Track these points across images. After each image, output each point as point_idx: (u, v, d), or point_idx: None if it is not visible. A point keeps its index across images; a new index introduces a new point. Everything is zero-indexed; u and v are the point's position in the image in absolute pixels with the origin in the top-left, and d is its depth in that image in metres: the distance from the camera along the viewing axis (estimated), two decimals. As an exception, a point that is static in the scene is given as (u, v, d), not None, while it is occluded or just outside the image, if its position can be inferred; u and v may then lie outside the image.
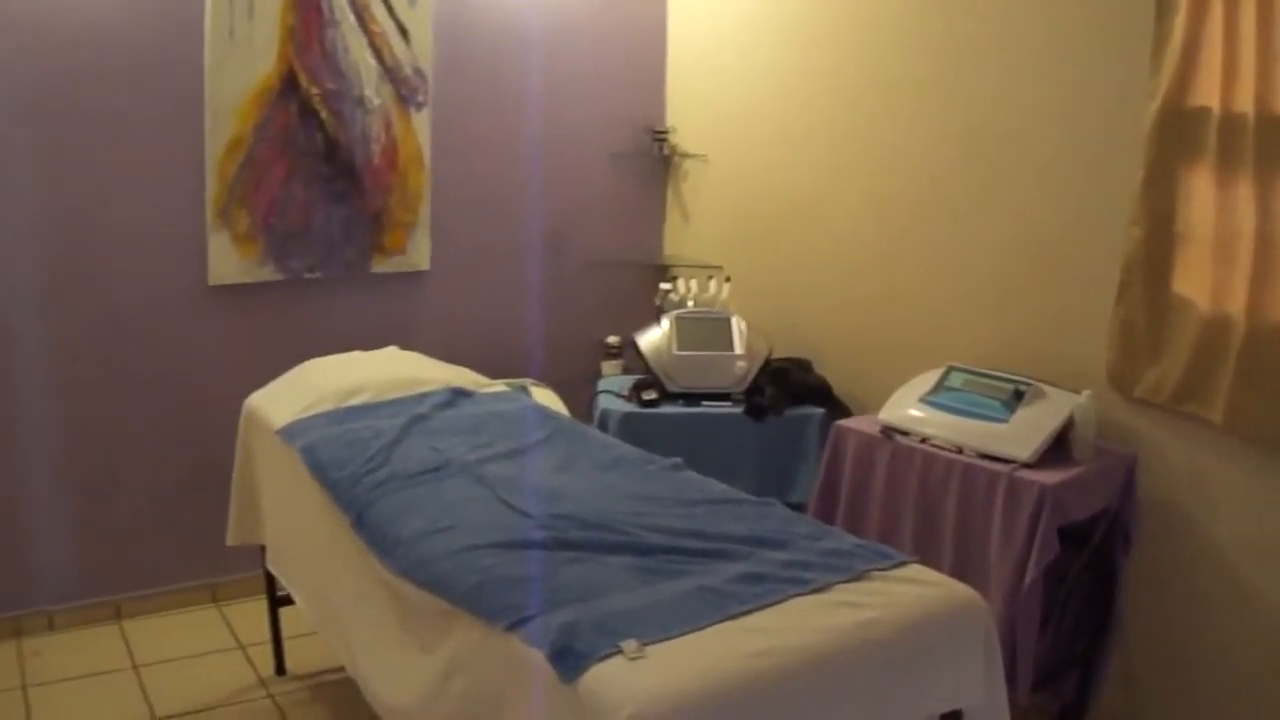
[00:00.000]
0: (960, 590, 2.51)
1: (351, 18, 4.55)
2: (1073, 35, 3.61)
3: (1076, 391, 3.50)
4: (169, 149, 4.33)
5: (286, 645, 4.09)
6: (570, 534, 2.66)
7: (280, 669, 4.09)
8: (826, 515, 3.85)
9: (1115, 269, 3.45)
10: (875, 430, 3.77)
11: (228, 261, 4.44)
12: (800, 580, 2.41)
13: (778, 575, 2.43)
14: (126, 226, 4.29)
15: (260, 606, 4.12)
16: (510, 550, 2.58)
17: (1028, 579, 3.21)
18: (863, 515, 3.79)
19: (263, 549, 3.81)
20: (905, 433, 3.69)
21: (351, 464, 3.13)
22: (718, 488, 3.06)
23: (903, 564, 2.56)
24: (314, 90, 4.50)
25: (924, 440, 3.63)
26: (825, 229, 4.64)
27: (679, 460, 3.27)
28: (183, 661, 4.18)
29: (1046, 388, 3.56)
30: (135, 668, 4.11)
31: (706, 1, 5.21)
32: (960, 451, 3.50)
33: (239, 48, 4.35)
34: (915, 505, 3.61)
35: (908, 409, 3.76)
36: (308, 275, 4.61)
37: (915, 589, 2.45)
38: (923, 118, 4.17)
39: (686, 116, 5.39)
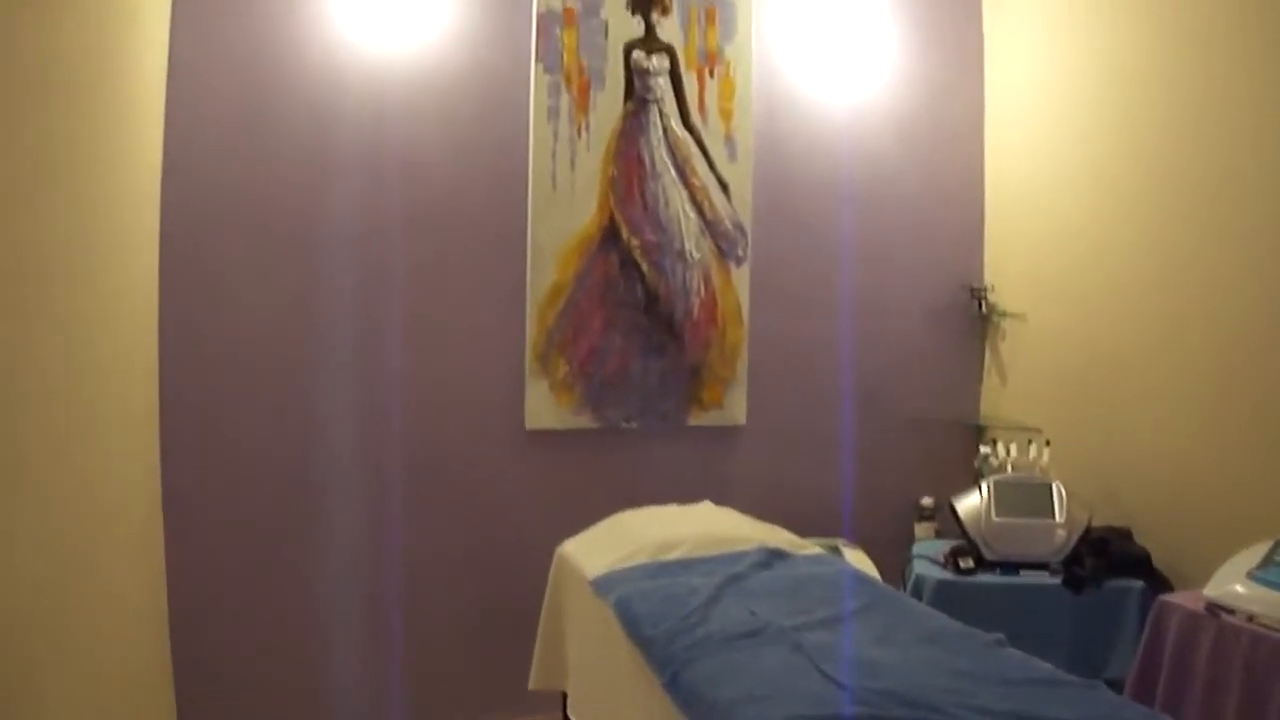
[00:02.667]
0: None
1: (672, 171, 4.65)
2: None
3: None
4: (492, 294, 4.49)
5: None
6: (890, 711, 2.53)
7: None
8: (1145, 695, 3.59)
9: None
10: (1199, 607, 3.51)
11: (545, 407, 4.53)
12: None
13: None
14: (449, 368, 4.44)
15: (558, 753, 4.10)
16: (829, 725, 2.48)
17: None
18: (1183, 697, 3.50)
19: (564, 695, 3.79)
20: (1231, 610, 3.43)
21: (666, 621, 3.08)
22: (1042, 667, 2.89)
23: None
24: (634, 242, 4.59)
25: (1250, 618, 3.36)
26: (1148, 390, 4.43)
27: (1000, 636, 3.10)
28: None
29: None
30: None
31: (1024, 158, 5.11)
32: (1290, 632, 3.23)
33: (561, 197, 4.50)
34: (1240, 687, 3.31)
35: (1233, 584, 3.47)
36: (624, 425, 4.65)
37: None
38: (1253, 274, 3.94)
39: (1005, 273, 5.27)
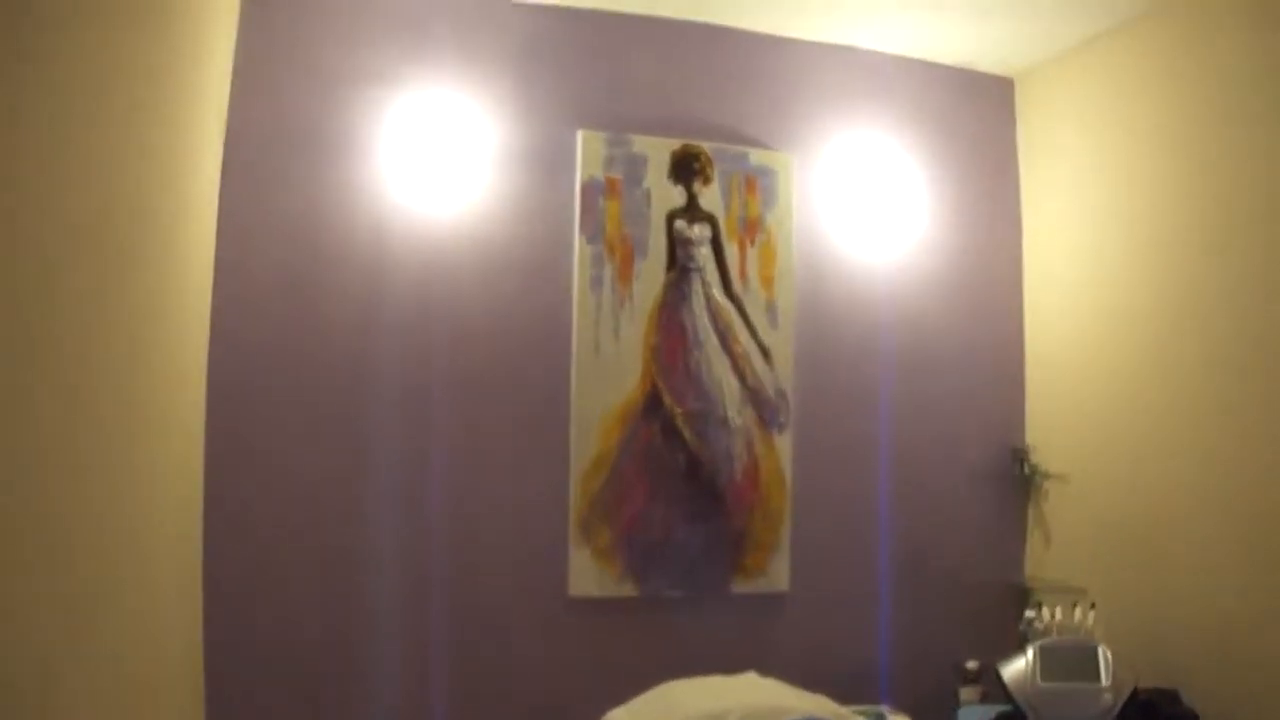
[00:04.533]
0: None
1: (715, 339, 4.71)
2: None
3: None
4: (535, 461, 4.53)
5: None
6: None
7: None
8: None
9: None
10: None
11: (588, 575, 4.53)
12: None
13: None
14: (493, 533, 4.46)
15: None
16: None
17: None
18: None
19: None
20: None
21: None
22: None
23: None
24: (677, 410, 4.63)
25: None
26: (1193, 549, 4.37)
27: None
28: None
29: None
30: None
31: (1064, 315, 5.14)
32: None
33: (604, 365, 4.56)
34: None
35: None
36: (667, 593, 4.65)
37: None
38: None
39: (1047, 434, 5.27)
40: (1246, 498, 4.16)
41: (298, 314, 4.26)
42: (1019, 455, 5.29)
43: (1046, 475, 5.22)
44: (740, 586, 4.76)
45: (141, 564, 2.92)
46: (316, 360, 4.28)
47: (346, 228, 4.32)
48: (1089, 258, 5.02)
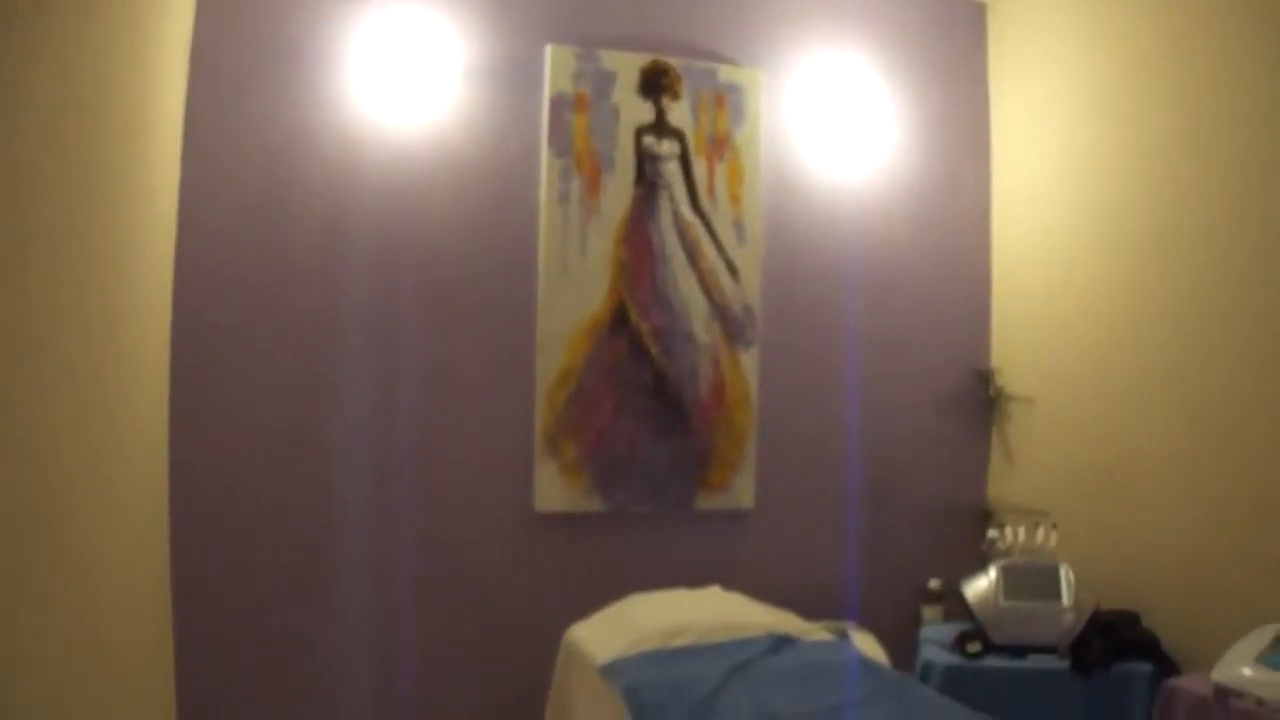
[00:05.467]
0: None
1: (682, 255, 4.69)
2: None
3: None
4: (502, 376, 4.52)
5: None
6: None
7: None
8: (1154, 778, 3.61)
9: None
10: (1207, 691, 3.49)
11: (555, 490, 4.54)
12: None
13: None
14: (460, 449, 4.47)
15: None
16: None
17: None
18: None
19: (572, 781, 3.77)
20: (1239, 694, 3.40)
21: (675, 710, 3.09)
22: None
23: None
24: (644, 325, 4.62)
25: (1259, 703, 3.32)
26: (1156, 473, 4.41)
27: (1006, 722, 3.11)
28: None
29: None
30: None
31: (1032, 241, 5.14)
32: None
33: (572, 280, 4.54)
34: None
35: (1241, 668, 3.45)
36: (633, 508, 4.66)
37: None
38: (1263, 357, 3.94)
39: (1012, 356, 5.28)
40: (1213, 424, 4.18)
41: (265, 231, 4.22)
42: (984, 377, 5.31)
43: (1011, 398, 5.23)
44: (705, 503, 4.78)
45: (104, 496, 2.90)
46: (283, 278, 4.24)
47: (314, 143, 4.27)
48: (1057, 182, 5.01)
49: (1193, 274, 4.26)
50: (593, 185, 4.57)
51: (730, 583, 4.34)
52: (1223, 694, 3.45)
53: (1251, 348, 4.00)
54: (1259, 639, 3.56)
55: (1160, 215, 4.42)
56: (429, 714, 4.43)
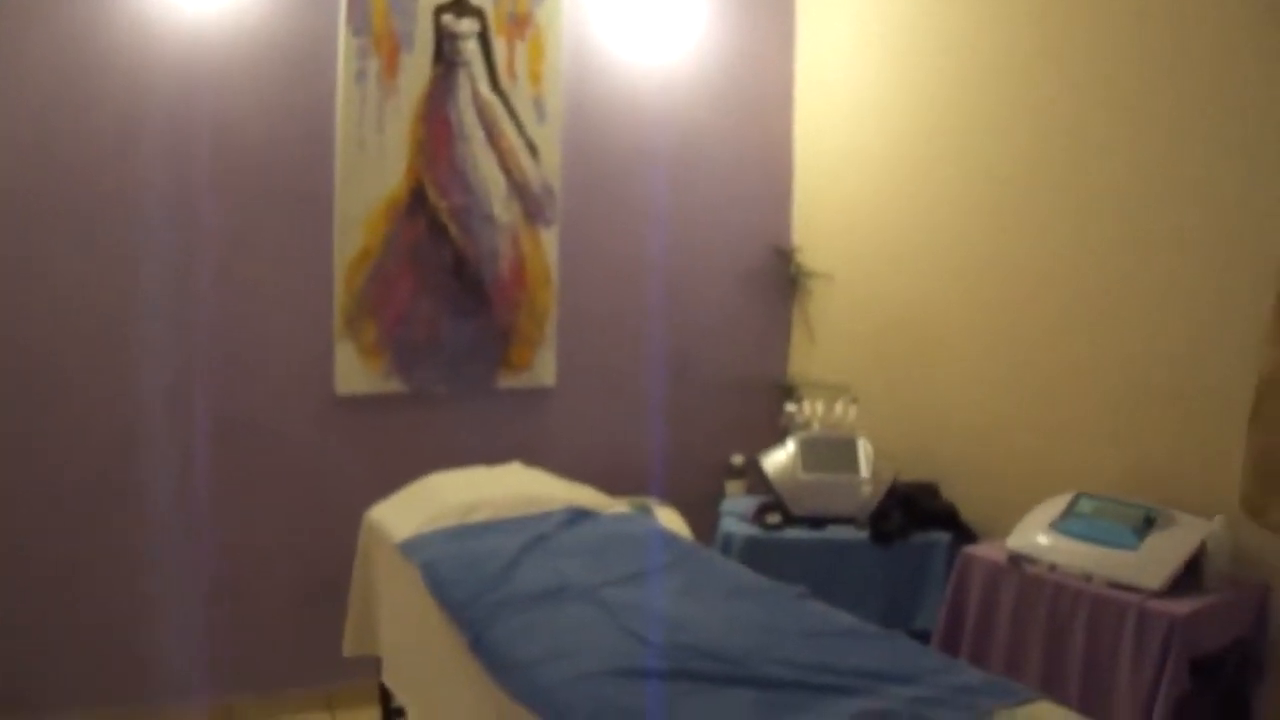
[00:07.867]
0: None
1: (481, 133, 4.65)
2: (1207, 152, 3.54)
3: (1208, 518, 3.38)
4: (300, 257, 4.45)
5: (398, 756, 4.05)
6: (691, 664, 2.59)
7: (391, 779, 4.04)
8: (951, 644, 3.76)
9: (1249, 391, 3.28)
10: (1002, 558, 3.66)
11: (354, 372, 4.50)
12: (924, 718, 2.32)
13: (903, 712, 2.34)
14: (259, 331, 4.40)
15: (374, 717, 4.09)
16: (629, 679, 2.51)
17: (1157, 714, 3.07)
18: (989, 644, 3.67)
19: (379, 660, 3.78)
20: (1033, 560, 3.58)
21: (471, 583, 3.10)
22: (844, 619, 2.97)
23: (1029, 700, 2.46)
24: (442, 204, 4.58)
25: (1052, 568, 3.51)
26: (953, 350, 4.58)
27: (804, 589, 3.18)
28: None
29: (1177, 514, 3.44)
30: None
31: (834, 122, 5.23)
32: (1089, 580, 3.38)
33: (369, 160, 4.46)
34: (1043, 635, 3.48)
35: (1035, 536, 3.64)
36: (433, 389, 4.65)
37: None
38: (1053, 237, 4.11)
39: (813, 235, 5.39)
40: (1003, 300, 4.35)
41: (61, 114, 4.04)
42: (785, 255, 5.39)
43: (812, 275, 5.34)
44: (506, 381, 4.80)
45: None
46: (80, 160, 4.07)
47: (105, 22, 4.07)
48: (859, 62, 5.09)
49: (988, 155, 4.39)
50: (391, 64, 4.47)
51: (534, 461, 4.36)
52: (1017, 560, 3.61)
53: (1046, 223, 4.15)
54: (1052, 507, 3.74)
55: (957, 94, 4.52)
56: (234, 596, 4.41)
